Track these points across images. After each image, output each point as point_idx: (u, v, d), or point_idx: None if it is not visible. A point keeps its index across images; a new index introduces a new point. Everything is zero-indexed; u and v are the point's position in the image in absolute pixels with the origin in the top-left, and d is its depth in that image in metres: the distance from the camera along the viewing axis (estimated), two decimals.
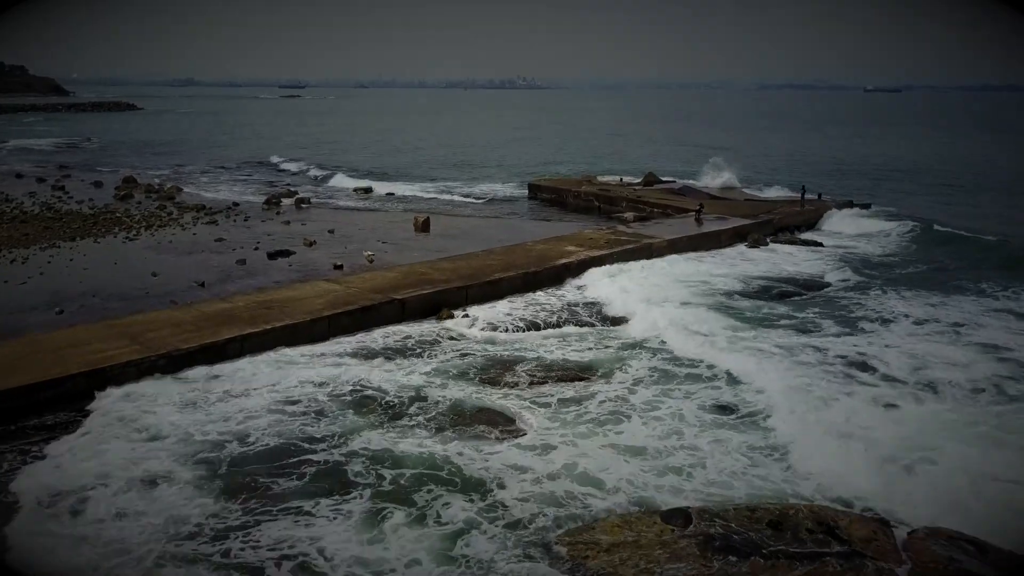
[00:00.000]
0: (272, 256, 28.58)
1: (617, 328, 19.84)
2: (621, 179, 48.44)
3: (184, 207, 39.25)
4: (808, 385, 15.42)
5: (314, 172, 54.73)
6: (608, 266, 25.01)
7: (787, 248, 30.00)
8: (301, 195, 42.40)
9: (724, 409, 14.85)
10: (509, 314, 20.82)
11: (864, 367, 16.93)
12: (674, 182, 47.45)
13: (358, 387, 15.40)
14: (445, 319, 20.71)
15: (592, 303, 21.64)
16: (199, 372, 15.80)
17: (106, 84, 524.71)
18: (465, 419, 14.09)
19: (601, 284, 23.21)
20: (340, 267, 26.89)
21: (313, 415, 14.19)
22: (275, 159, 63.60)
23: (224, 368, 16.17)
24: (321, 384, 15.46)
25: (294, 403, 14.63)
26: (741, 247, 30.31)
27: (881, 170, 59.24)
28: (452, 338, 19.29)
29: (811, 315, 20.73)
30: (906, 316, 20.86)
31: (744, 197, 41.07)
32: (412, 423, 13.97)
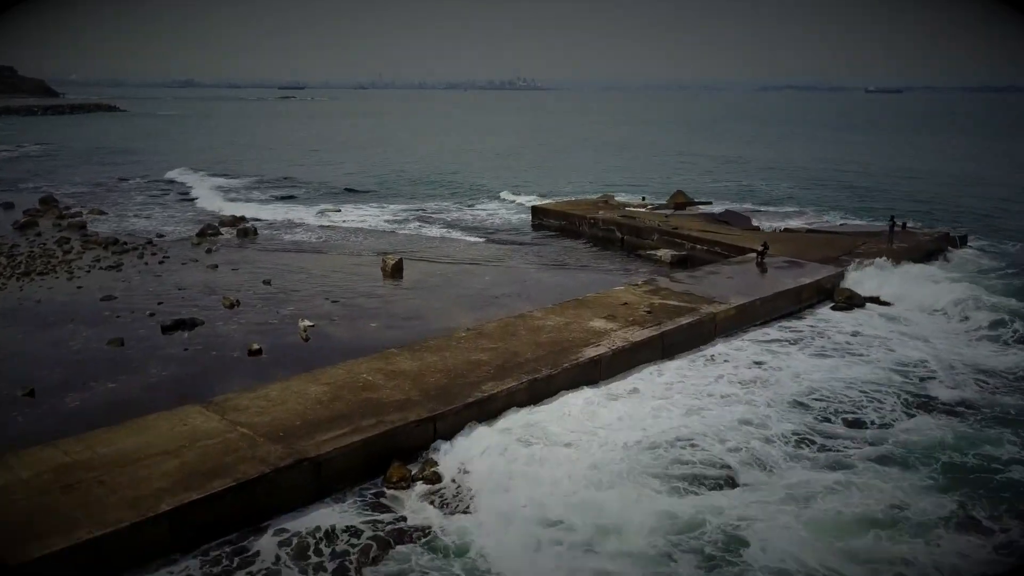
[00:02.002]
0: (168, 329, 19.94)
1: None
2: (644, 199, 39.75)
3: (91, 241, 30.61)
4: None
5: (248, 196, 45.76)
6: (655, 364, 16.41)
7: (895, 313, 21.20)
8: (245, 225, 33.64)
9: None
10: (508, 475, 12.01)
11: None
12: (710, 203, 38.78)
13: None
14: (396, 484, 12.04)
15: (655, 449, 12.75)
16: None
17: (104, 85, 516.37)
18: None
19: (647, 399, 14.54)
20: (258, 351, 18.31)
21: None
22: (215, 175, 54.20)
23: None
24: None
25: None
26: (827, 310, 21.69)
27: (944, 186, 50.46)
28: (410, 530, 10.69)
29: None
30: None
31: (807, 226, 32.37)
32: None
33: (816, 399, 14.24)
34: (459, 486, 11.88)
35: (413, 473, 12.28)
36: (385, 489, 11.94)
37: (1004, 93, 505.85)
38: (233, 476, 10.93)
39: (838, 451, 12.57)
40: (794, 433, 13.05)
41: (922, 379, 15.46)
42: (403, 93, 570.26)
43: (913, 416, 13.78)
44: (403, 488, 11.96)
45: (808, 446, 12.65)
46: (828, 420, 13.56)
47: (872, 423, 13.44)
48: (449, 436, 13.13)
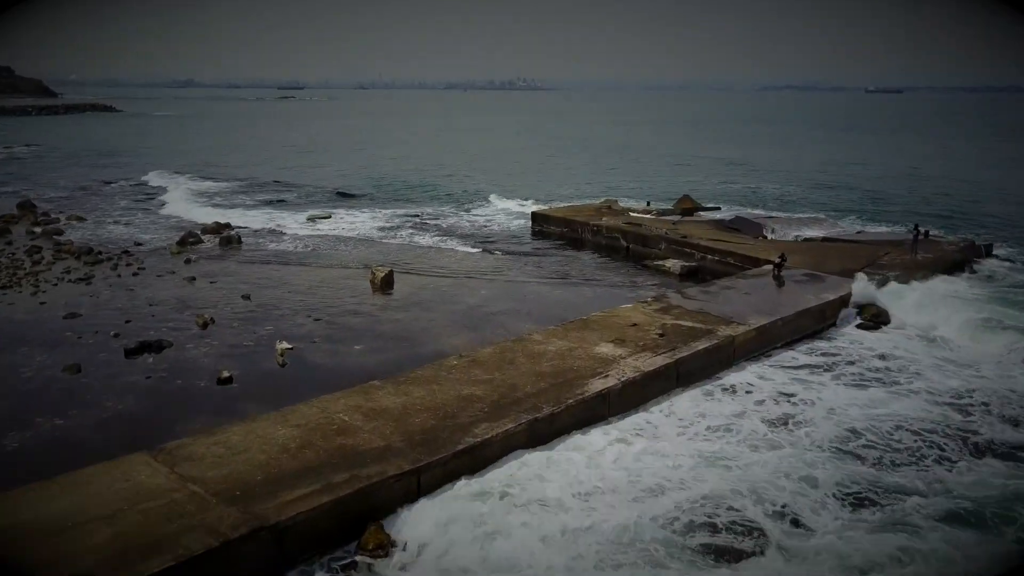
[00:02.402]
0: (131, 353, 18.13)
1: None
2: (649, 204, 37.94)
3: (64, 250, 28.79)
4: None
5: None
6: (669, 398, 14.59)
7: (930, 332, 19.32)
8: (229, 233, 31.80)
9: None
10: (492, 553, 10.08)
11: None
12: (719, 208, 37.03)
13: None
14: (372, 552, 10.22)
15: (670, 511, 10.84)
16: None
17: (104, 86, 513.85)
18: None
19: (660, 443, 12.71)
20: (228, 380, 16.48)
21: None
22: (203, 179, 52.68)
23: None
24: None
25: None
26: (854, 329, 19.91)
27: (959, 189, 48.60)
28: None
29: None
30: None
31: (824, 235, 30.52)
32: None
33: (863, 445, 12.35)
34: (442, 556, 10.03)
35: (393, 538, 10.45)
36: (358, 558, 10.13)
37: (1005, 93, 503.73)
38: (174, 553, 9.10)
39: (894, 506, 10.72)
40: (838, 486, 11.20)
41: (977, 414, 13.64)
42: (403, 93, 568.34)
43: (979, 460, 11.94)
44: (381, 556, 10.15)
45: (859, 504, 10.79)
46: (879, 468, 11.69)
47: (931, 471, 11.57)
48: (436, 490, 11.32)
